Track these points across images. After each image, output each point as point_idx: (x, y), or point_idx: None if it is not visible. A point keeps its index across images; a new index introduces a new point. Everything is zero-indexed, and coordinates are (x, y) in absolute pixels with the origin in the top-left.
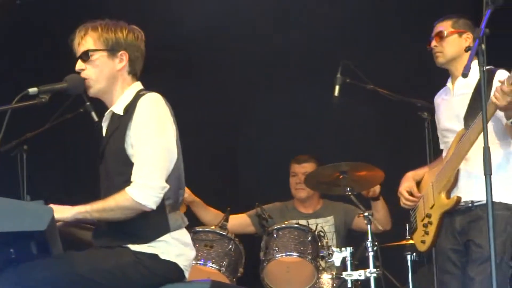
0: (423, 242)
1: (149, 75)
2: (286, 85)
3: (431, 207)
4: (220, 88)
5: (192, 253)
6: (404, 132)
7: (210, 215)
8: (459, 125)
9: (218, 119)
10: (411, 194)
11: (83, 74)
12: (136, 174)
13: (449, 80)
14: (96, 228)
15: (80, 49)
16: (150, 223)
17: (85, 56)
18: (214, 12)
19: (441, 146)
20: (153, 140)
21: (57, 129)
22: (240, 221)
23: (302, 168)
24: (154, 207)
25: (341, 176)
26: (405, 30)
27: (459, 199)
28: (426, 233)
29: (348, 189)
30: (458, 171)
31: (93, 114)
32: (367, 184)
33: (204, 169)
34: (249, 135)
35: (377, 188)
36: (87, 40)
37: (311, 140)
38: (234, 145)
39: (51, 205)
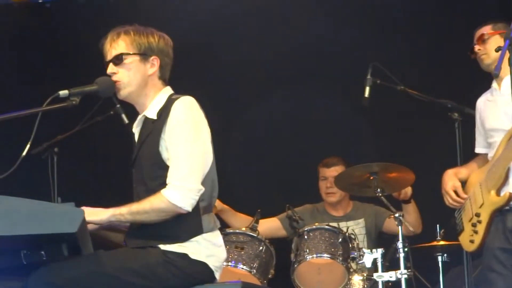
0: (471, 241)
1: None
2: (305, 85)
3: (480, 206)
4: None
5: (224, 254)
6: (433, 133)
7: (240, 221)
8: (508, 123)
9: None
10: (456, 193)
11: (114, 77)
12: (172, 177)
13: (494, 81)
14: (129, 230)
15: (112, 53)
16: (184, 224)
17: (118, 60)
18: (219, 12)
19: (478, 149)
20: (189, 143)
21: (87, 132)
22: (271, 225)
23: (332, 172)
24: (190, 209)
25: (371, 177)
26: (423, 31)
27: (511, 195)
28: (475, 232)
29: (378, 190)
30: (509, 168)
31: (124, 116)
32: (398, 186)
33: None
34: (274, 137)
35: (408, 191)
36: (119, 44)
37: (337, 142)
38: (260, 148)
39: (85, 208)
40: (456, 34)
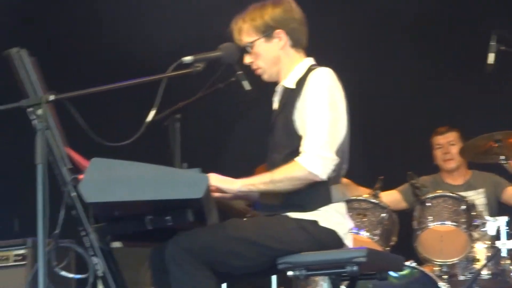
0: None
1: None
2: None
3: None
4: None
5: (349, 223)
6: None
7: (360, 194)
8: None
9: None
10: None
11: (253, 66)
12: (308, 145)
13: None
14: (258, 200)
15: (241, 44)
16: (313, 194)
17: (247, 51)
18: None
19: None
20: (324, 113)
21: (209, 98)
22: (391, 198)
23: (447, 138)
24: (325, 177)
25: (495, 145)
26: None
27: None
28: None
29: (502, 157)
30: None
31: (245, 83)
32: None
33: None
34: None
35: None
36: (242, 35)
37: (455, 112)
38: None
39: (215, 175)
40: None
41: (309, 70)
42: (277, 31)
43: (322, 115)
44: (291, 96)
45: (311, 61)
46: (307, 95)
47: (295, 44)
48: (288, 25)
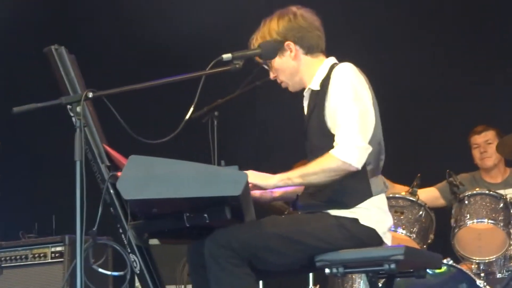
0: None
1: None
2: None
3: None
4: None
5: (390, 220)
6: None
7: (398, 191)
8: None
9: None
10: None
11: (278, 80)
12: (340, 138)
13: None
14: (298, 197)
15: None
16: (353, 189)
17: (268, 67)
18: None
19: None
20: (351, 106)
21: (247, 96)
22: (429, 195)
23: (484, 137)
24: (359, 166)
25: None
26: None
27: None
28: None
29: None
30: None
31: None
32: None
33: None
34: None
35: None
36: None
37: (489, 111)
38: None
39: (252, 171)
40: None
41: (331, 69)
42: (286, 43)
43: (349, 108)
44: (318, 97)
45: (332, 60)
46: (332, 92)
47: (309, 51)
48: (294, 35)
